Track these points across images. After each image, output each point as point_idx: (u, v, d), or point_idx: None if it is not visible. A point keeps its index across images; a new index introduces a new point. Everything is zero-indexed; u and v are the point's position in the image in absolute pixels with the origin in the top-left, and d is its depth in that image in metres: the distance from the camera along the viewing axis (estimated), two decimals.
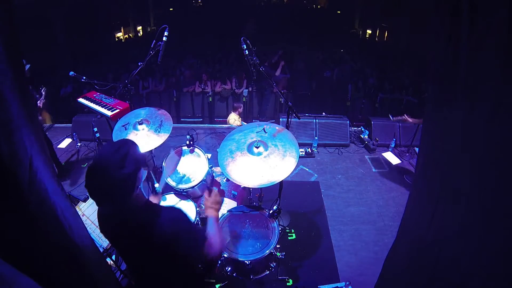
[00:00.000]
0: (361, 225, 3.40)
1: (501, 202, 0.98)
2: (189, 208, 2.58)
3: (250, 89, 7.43)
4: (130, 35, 15.94)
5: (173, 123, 2.66)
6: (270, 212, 2.33)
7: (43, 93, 4.14)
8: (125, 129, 2.59)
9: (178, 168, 2.78)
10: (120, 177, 1.23)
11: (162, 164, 2.75)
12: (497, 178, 0.98)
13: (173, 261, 1.46)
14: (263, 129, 2.38)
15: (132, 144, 1.34)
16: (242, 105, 5.75)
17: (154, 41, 2.77)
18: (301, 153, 4.51)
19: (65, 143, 4.81)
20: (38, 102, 4.04)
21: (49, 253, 1.19)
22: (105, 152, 1.31)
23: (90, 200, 2.66)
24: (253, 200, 2.98)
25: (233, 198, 2.87)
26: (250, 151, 2.26)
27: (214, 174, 2.91)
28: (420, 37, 9.45)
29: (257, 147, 2.25)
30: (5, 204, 1.01)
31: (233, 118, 5.47)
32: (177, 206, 2.55)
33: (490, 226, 1.03)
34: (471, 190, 1.07)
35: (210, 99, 7.47)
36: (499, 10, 0.87)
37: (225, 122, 5.82)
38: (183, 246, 1.37)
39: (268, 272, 2.28)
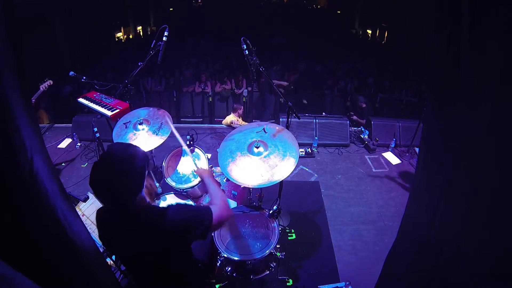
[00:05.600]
0: (361, 225, 3.40)
1: (502, 202, 0.98)
2: None
3: (250, 89, 7.41)
4: (130, 35, 15.92)
5: (173, 123, 2.66)
6: (270, 212, 2.33)
7: (47, 85, 3.95)
8: (126, 127, 2.60)
9: (178, 168, 2.78)
10: (129, 172, 1.25)
11: (162, 164, 2.76)
12: (498, 178, 0.98)
13: (177, 259, 1.48)
14: (263, 129, 2.38)
15: (137, 146, 1.37)
16: (242, 106, 5.61)
17: (154, 41, 2.78)
18: (301, 153, 4.51)
19: (65, 143, 4.80)
20: (41, 86, 3.87)
21: (48, 253, 1.19)
22: (114, 150, 1.33)
23: (90, 200, 2.66)
24: (253, 200, 2.98)
25: (233, 198, 2.87)
26: (250, 151, 2.27)
27: (214, 174, 2.90)
28: (420, 37, 9.45)
29: (257, 147, 2.25)
30: (5, 204, 1.01)
31: (230, 120, 5.37)
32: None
33: (491, 226, 1.03)
34: (472, 190, 1.07)
35: (210, 99, 7.46)
36: (499, 10, 0.87)
37: None
38: (196, 224, 1.41)
39: (268, 272, 2.28)
